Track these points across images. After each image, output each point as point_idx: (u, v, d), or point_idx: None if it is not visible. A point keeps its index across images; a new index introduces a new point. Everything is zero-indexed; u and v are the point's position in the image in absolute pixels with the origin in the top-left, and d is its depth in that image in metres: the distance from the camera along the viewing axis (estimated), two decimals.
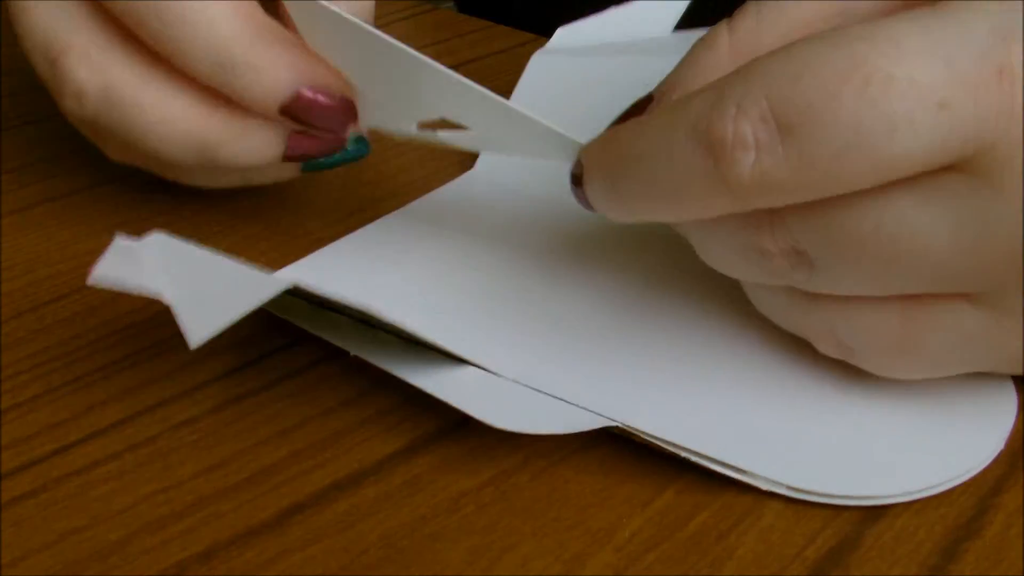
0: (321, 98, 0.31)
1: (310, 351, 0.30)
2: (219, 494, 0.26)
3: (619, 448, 0.27)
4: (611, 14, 0.39)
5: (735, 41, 0.28)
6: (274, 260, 0.33)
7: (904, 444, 0.26)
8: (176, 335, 0.31)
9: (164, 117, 0.31)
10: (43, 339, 0.31)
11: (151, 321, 0.31)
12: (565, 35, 0.38)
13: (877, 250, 0.24)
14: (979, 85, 0.22)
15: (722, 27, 0.28)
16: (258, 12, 0.31)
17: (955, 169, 0.23)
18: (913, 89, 0.22)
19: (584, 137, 0.29)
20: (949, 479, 0.25)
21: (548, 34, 0.49)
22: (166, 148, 0.31)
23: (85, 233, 0.35)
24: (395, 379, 0.28)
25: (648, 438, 0.26)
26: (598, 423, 0.26)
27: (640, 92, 0.34)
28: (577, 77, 0.37)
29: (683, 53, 0.38)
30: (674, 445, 0.26)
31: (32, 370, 0.29)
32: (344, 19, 0.30)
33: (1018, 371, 0.27)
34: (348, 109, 0.32)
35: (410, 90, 0.31)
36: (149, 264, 0.25)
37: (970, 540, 0.24)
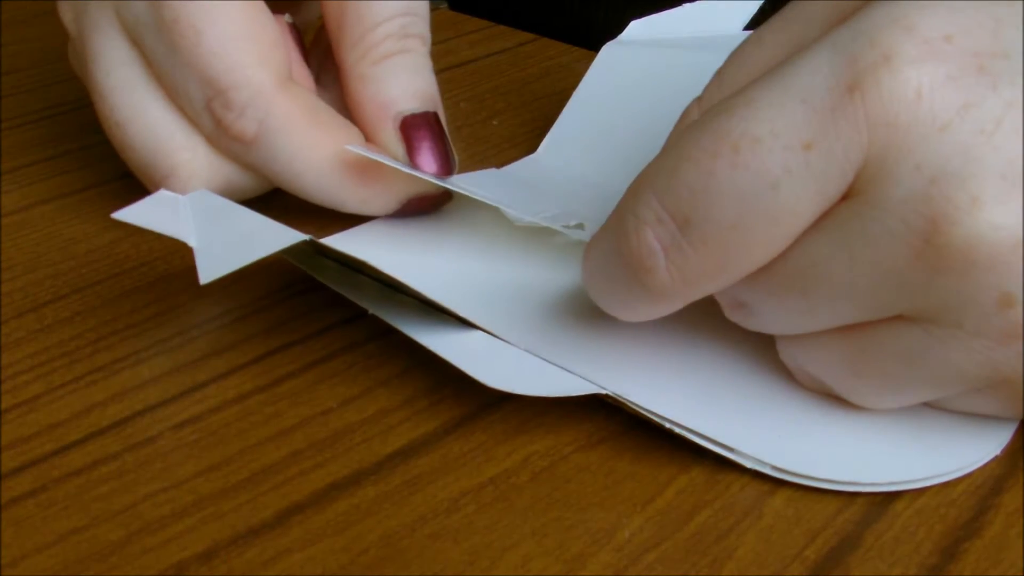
0: (423, 204, 0.35)
1: (310, 351, 0.30)
2: (219, 494, 0.26)
3: (619, 448, 0.27)
4: (684, 10, 0.40)
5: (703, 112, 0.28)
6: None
7: (901, 437, 0.26)
8: (176, 335, 0.31)
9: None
10: (43, 339, 0.31)
11: (151, 321, 0.31)
12: (638, 28, 0.39)
13: (796, 289, 0.25)
14: (835, 111, 0.23)
15: (692, 103, 0.28)
16: (362, 145, 0.34)
17: (845, 196, 0.24)
18: (777, 140, 0.23)
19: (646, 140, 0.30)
20: (947, 472, 0.25)
21: (548, 34, 0.49)
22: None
23: (85, 233, 0.35)
24: (394, 380, 0.28)
25: (638, 408, 0.26)
26: (589, 389, 0.27)
27: (702, 89, 0.35)
28: (643, 70, 0.38)
29: None
30: (661, 417, 0.26)
31: (32, 370, 0.29)
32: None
33: (999, 391, 0.26)
34: (444, 199, 0.35)
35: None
36: (184, 214, 0.27)
37: (970, 540, 0.24)
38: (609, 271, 0.26)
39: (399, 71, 0.34)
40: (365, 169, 0.33)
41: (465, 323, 0.29)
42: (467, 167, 0.38)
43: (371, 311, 0.29)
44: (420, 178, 0.33)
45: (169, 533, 0.25)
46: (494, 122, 0.41)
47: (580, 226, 0.32)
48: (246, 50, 0.33)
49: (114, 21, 0.34)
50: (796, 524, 0.25)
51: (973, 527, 0.25)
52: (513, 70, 0.45)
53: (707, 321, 0.29)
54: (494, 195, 0.33)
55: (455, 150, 0.35)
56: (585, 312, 0.30)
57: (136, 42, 0.34)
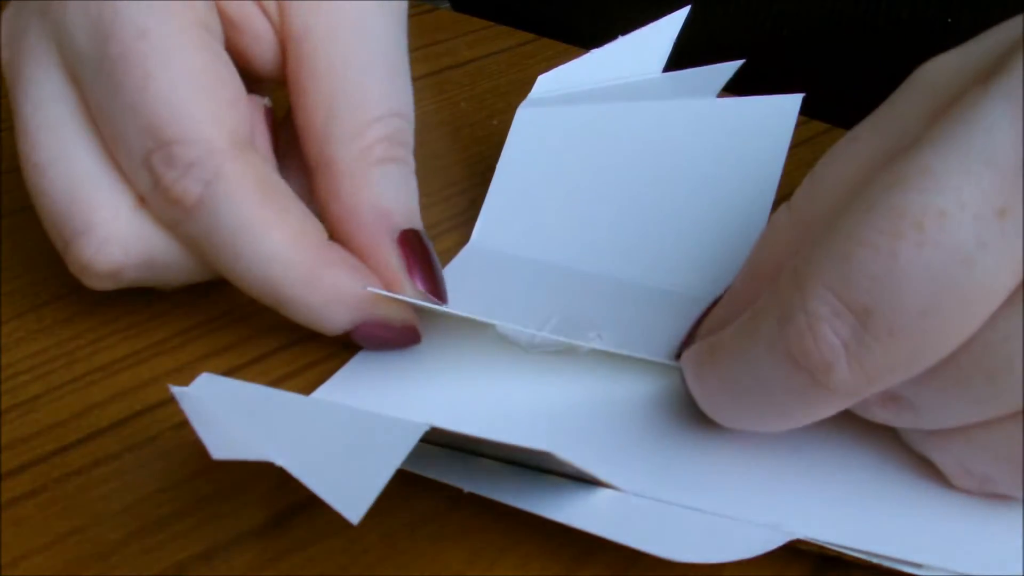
0: (380, 331, 0.29)
1: (310, 351, 0.30)
2: (219, 494, 0.26)
3: None
4: (595, 55, 0.37)
5: (795, 217, 0.26)
6: None
7: None
8: (176, 335, 0.31)
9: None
10: (43, 339, 0.31)
11: (151, 321, 0.31)
12: (548, 81, 0.36)
13: (983, 374, 0.22)
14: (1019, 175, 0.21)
15: (782, 208, 0.26)
16: (318, 240, 0.29)
17: None
18: (966, 211, 0.21)
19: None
20: None
21: (548, 34, 0.49)
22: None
23: None
24: None
25: (838, 549, 0.24)
26: (780, 541, 0.24)
27: (633, 139, 0.32)
28: (566, 129, 0.35)
29: (675, 96, 0.36)
30: (856, 550, 0.24)
31: (32, 370, 0.29)
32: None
33: None
34: (409, 338, 0.30)
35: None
36: (226, 418, 0.23)
37: None
38: (752, 379, 0.24)
39: (395, 181, 0.30)
40: (321, 269, 0.28)
41: (539, 469, 0.25)
42: (467, 166, 0.38)
43: (467, 489, 0.25)
44: (384, 299, 0.29)
45: (169, 533, 0.25)
46: (494, 122, 0.41)
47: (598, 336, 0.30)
48: (199, 102, 0.28)
49: (52, 51, 0.29)
50: None
51: None
52: (513, 70, 0.45)
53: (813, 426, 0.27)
54: (474, 308, 0.30)
55: (454, 150, 0.34)
56: (666, 433, 0.27)
57: (75, 78, 0.29)
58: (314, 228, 0.29)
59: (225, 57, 0.29)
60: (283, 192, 0.29)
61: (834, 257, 0.22)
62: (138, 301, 0.32)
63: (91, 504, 0.25)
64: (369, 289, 0.29)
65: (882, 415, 0.24)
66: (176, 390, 0.23)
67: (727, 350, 0.25)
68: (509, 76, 0.43)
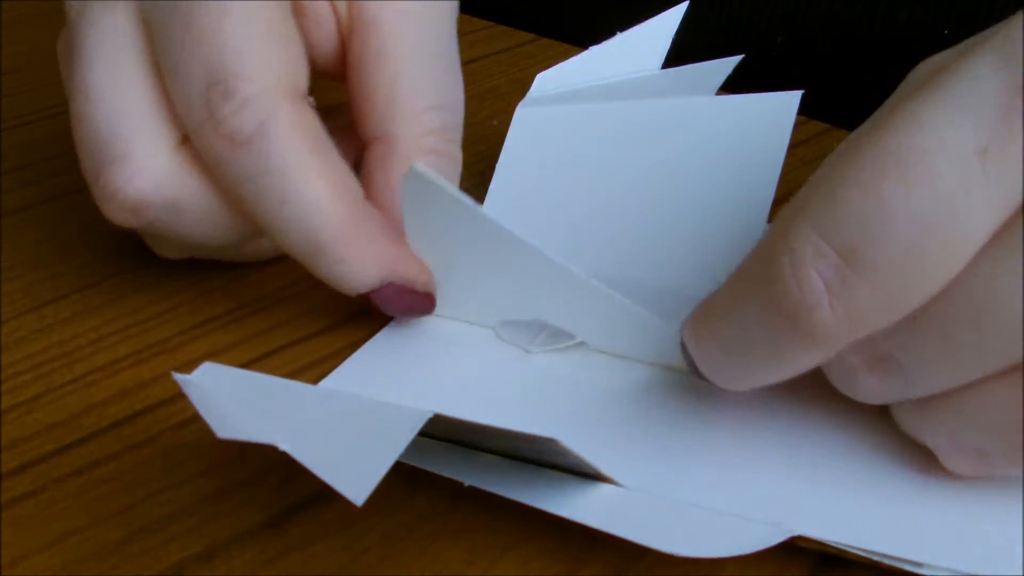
0: (403, 294, 0.30)
1: (310, 351, 0.30)
2: (219, 494, 0.26)
3: None
4: (593, 52, 0.36)
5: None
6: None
7: None
8: (177, 335, 0.31)
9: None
10: (43, 339, 0.31)
11: (151, 321, 0.31)
12: (547, 79, 0.36)
13: (967, 319, 0.22)
14: (1009, 111, 0.21)
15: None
16: (358, 198, 0.30)
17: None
18: (949, 151, 0.21)
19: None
20: None
21: (548, 34, 0.49)
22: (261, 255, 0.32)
23: (85, 233, 0.35)
24: None
25: (834, 544, 0.24)
26: (779, 537, 0.23)
27: (632, 137, 0.32)
28: (566, 128, 0.35)
29: (673, 93, 0.36)
30: (860, 549, 0.24)
31: (32, 370, 0.29)
32: (461, 203, 0.28)
33: None
34: (427, 304, 0.31)
35: (513, 281, 0.29)
36: (230, 405, 0.23)
37: None
38: (741, 330, 0.24)
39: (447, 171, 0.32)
40: (358, 224, 0.29)
41: (539, 463, 0.25)
42: (467, 166, 0.38)
43: (467, 483, 0.25)
44: (411, 261, 0.30)
45: (169, 533, 0.25)
46: (494, 122, 0.41)
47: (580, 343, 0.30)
48: (267, 47, 0.29)
49: None
50: None
51: None
52: (513, 70, 0.45)
53: (805, 420, 0.27)
54: (476, 306, 0.30)
55: None
56: (668, 430, 0.27)
57: (145, 18, 0.30)
58: (355, 185, 0.30)
59: (293, 20, 0.30)
60: (331, 147, 0.30)
61: (820, 199, 0.22)
62: (138, 301, 0.32)
63: (91, 504, 0.25)
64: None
65: (871, 386, 0.24)
66: (179, 377, 0.23)
67: (720, 306, 0.25)
68: (509, 76, 0.43)
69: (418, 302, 0.30)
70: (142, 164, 0.29)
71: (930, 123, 0.21)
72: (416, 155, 0.31)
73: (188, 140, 0.30)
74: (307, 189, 0.28)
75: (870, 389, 0.24)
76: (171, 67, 0.29)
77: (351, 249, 0.29)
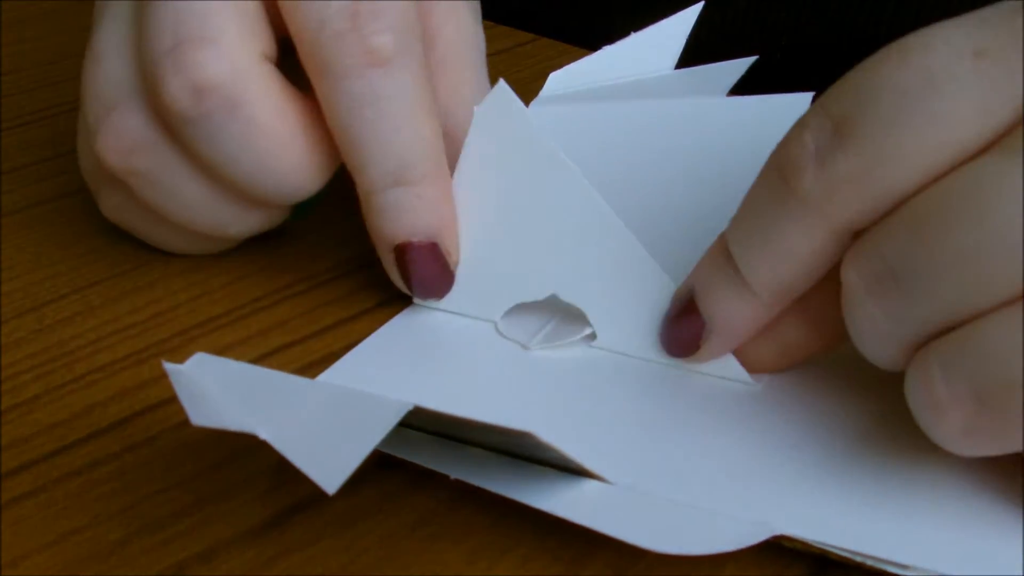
0: (438, 259, 0.30)
1: (310, 351, 0.30)
2: (219, 494, 0.26)
3: None
4: (606, 52, 0.37)
5: None
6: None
7: None
8: (176, 335, 0.31)
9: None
10: (43, 339, 0.31)
11: (151, 321, 0.31)
12: (559, 78, 0.36)
13: (969, 224, 0.22)
14: (1014, 22, 0.22)
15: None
16: (443, 152, 0.31)
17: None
18: (947, 45, 0.23)
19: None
20: None
21: (548, 34, 0.49)
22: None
23: (85, 233, 0.35)
24: None
25: (818, 545, 0.24)
26: (764, 535, 0.23)
27: (643, 137, 0.32)
28: (577, 127, 0.35)
29: (685, 93, 0.36)
30: (842, 549, 0.24)
31: (32, 370, 0.29)
32: (536, 135, 0.29)
33: None
34: (447, 282, 0.31)
35: (566, 233, 0.30)
36: (214, 393, 0.23)
37: None
38: (751, 206, 0.26)
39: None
40: (444, 174, 0.30)
41: (528, 459, 0.25)
42: None
43: (453, 476, 0.25)
44: (456, 235, 0.31)
45: (169, 533, 0.25)
46: None
47: (592, 336, 0.30)
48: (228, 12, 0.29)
49: None
50: None
51: None
52: (513, 70, 0.45)
53: (804, 423, 0.27)
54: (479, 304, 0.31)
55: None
56: (657, 426, 0.27)
57: None
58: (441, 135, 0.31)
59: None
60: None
61: (837, 84, 0.24)
62: (138, 301, 0.32)
63: (91, 504, 0.25)
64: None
65: (875, 316, 0.24)
66: (169, 366, 0.23)
67: (750, 194, 0.26)
68: (509, 76, 0.43)
69: (442, 276, 0.31)
70: (230, 41, 0.29)
71: (940, 27, 0.23)
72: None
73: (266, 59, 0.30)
74: (424, 123, 0.29)
75: (874, 320, 0.24)
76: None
77: (430, 191, 0.30)
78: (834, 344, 0.26)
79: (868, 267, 0.24)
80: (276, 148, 0.29)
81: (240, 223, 0.32)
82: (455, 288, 0.31)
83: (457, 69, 0.33)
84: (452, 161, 0.31)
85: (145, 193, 0.31)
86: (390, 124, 0.29)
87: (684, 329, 0.28)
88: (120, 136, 0.30)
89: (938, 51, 0.23)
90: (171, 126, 0.30)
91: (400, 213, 0.30)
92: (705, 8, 0.38)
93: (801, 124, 0.24)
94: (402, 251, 0.30)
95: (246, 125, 0.29)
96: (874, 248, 0.24)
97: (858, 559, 0.23)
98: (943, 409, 0.23)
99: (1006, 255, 0.21)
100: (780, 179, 0.25)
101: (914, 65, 0.23)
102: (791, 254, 0.25)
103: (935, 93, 0.22)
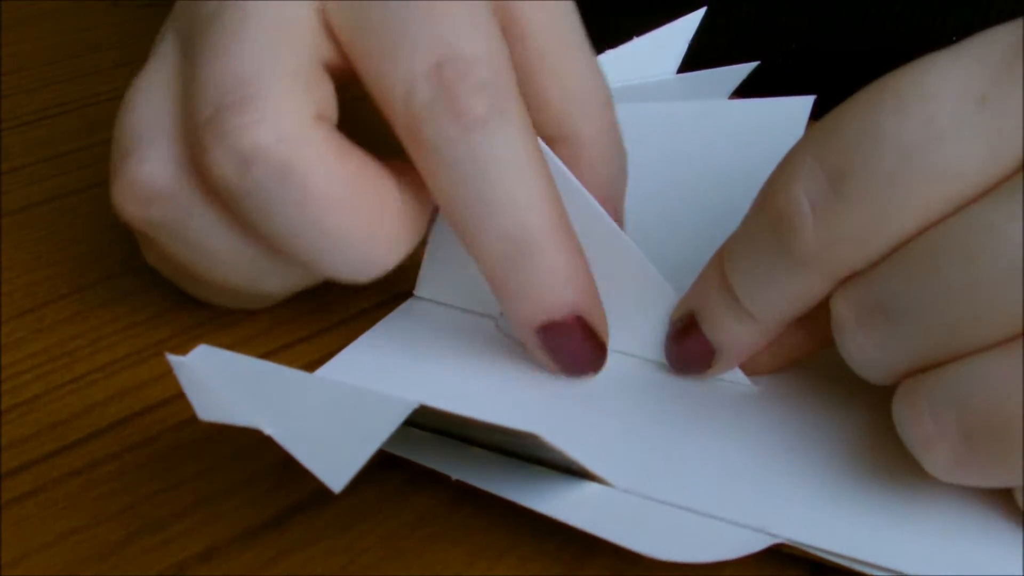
0: (586, 333, 0.27)
1: (310, 351, 0.30)
2: (219, 494, 0.26)
3: None
4: (609, 56, 0.37)
5: None
6: None
7: None
8: (176, 335, 0.31)
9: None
10: (43, 339, 0.31)
11: (151, 321, 0.31)
12: None
13: (961, 265, 0.22)
14: (1013, 63, 0.21)
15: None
16: (561, 203, 0.27)
17: None
18: (948, 90, 0.22)
19: None
20: None
21: None
22: None
23: (85, 233, 0.35)
24: None
25: (822, 554, 0.24)
26: (765, 543, 0.23)
27: (645, 140, 0.32)
28: None
29: (687, 97, 0.36)
30: (840, 557, 0.24)
31: (32, 370, 0.29)
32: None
33: None
34: (603, 356, 0.28)
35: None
36: (219, 388, 0.23)
37: None
38: (751, 251, 0.25)
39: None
40: (567, 231, 0.27)
41: (528, 458, 0.25)
42: None
43: (455, 477, 0.25)
44: (596, 290, 0.28)
45: (169, 533, 0.25)
46: None
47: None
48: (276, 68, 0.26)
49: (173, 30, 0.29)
50: None
51: None
52: None
53: (796, 427, 0.27)
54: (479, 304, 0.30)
55: None
56: (658, 430, 0.27)
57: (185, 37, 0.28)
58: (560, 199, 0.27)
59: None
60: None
61: (822, 127, 0.23)
62: (138, 301, 0.32)
63: (91, 504, 0.25)
64: None
65: (864, 346, 0.24)
66: (172, 359, 0.23)
67: (739, 232, 0.26)
68: None
69: (594, 351, 0.28)
70: (276, 102, 0.26)
71: (934, 67, 0.22)
72: (606, 153, 0.30)
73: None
74: (537, 180, 0.26)
75: (863, 350, 0.24)
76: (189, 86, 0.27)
77: (560, 258, 0.26)
78: (828, 343, 0.26)
79: (858, 300, 0.23)
80: (339, 219, 0.26)
81: (280, 279, 0.29)
82: (456, 281, 0.31)
83: (560, 60, 0.30)
84: (582, 175, 0.29)
85: (170, 247, 0.28)
86: (501, 189, 0.26)
87: (692, 352, 0.28)
88: (135, 184, 0.27)
89: (938, 99, 0.22)
90: (226, 202, 0.27)
91: (531, 291, 0.27)
92: (708, 13, 0.38)
93: (791, 172, 0.23)
94: (544, 333, 0.27)
95: (301, 194, 0.25)
96: (865, 283, 0.23)
97: (856, 567, 0.23)
98: (932, 443, 0.23)
99: (994, 296, 0.21)
100: (775, 232, 0.24)
101: (915, 115, 0.22)
102: (791, 295, 0.25)
103: (940, 147, 0.22)
